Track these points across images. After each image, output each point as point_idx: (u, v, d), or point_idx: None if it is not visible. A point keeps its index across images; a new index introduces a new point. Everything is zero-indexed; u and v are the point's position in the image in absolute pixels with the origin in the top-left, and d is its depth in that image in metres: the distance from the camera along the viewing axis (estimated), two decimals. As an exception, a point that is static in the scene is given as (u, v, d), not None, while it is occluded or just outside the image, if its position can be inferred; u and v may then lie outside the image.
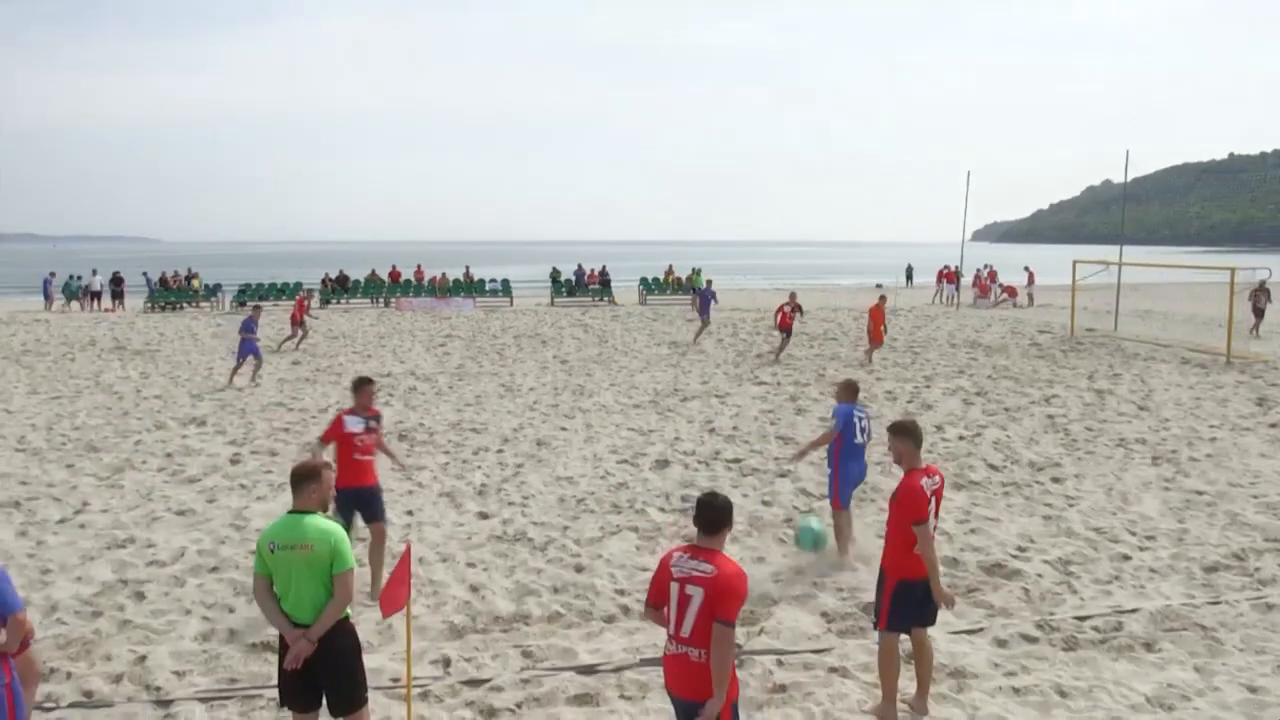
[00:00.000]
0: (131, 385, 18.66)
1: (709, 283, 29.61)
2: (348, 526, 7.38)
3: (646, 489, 11.13)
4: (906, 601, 5.79)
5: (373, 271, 42.21)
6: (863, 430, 8.75)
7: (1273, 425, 14.51)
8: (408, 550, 5.48)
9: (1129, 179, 32.73)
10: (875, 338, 21.69)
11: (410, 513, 10.21)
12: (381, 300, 39.50)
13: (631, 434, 14.09)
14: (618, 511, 10.28)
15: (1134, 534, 9.42)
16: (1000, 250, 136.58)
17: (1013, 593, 7.91)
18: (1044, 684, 6.28)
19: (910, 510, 5.72)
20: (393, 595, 5.25)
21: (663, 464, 12.28)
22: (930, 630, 6.04)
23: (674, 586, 4.41)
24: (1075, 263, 29.61)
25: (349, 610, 4.93)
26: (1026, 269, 42.31)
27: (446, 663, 6.66)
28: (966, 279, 41.67)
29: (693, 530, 4.44)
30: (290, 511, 4.93)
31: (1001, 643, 6.94)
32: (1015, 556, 8.75)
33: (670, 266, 44.57)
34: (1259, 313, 27.39)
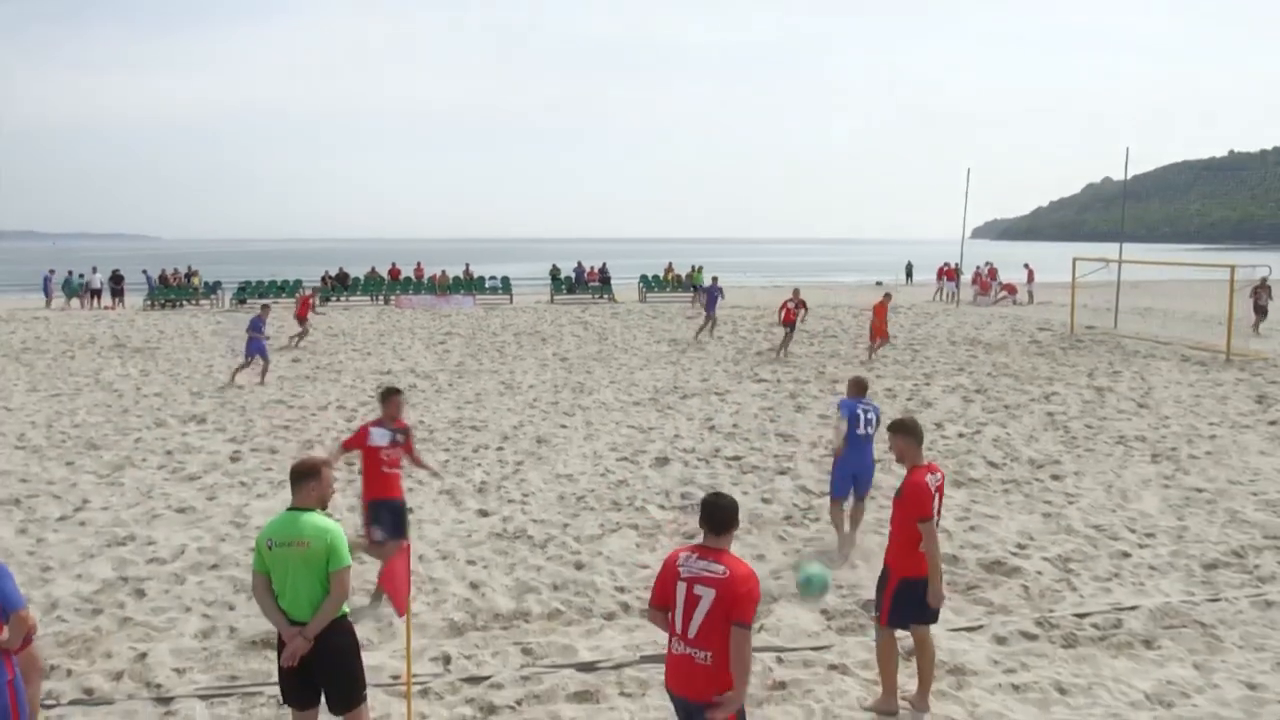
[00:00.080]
0: (131, 383, 18.66)
1: (714, 279, 29.40)
2: (391, 536, 7.33)
3: (646, 486, 11.13)
4: (909, 600, 5.80)
5: (372, 269, 42.18)
6: (867, 422, 8.82)
7: (1272, 423, 14.52)
8: (407, 548, 5.48)
9: (1129, 176, 32.73)
10: (880, 334, 21.67)
11: (410, 510, 10.19)
12: (381, 298, 39.49)
13: (631, 431, 14.10)
14: (617, 509, 10.29)
15: (1133, 531, 9.43)
16: (1000, 247, 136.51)
17: (1012, 590, 7.92)
18: (1043, 681, 6.29)
19: (915, 507, 5.72)
20: (399, 594, 5.25)
21: (662, 461, 12.29)
22: (930, 628, 6.05)
23: (681, 586, 4.36)
24: (1075, 260, 29.62)
25: (347, 609, 4.93)
26: (1026, 266, 42.30)
27: (446, 660, 6.67)
28: (966, 276, 41.65)
29: (692, 528, 4.46)
30: (289, 509, 4.93)
31: (1001, 640, 6.95)
32: (1015, 554, 8.76)
33: (670, 264, 44.54)
34: (1260, 310, 27.38)
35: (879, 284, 54.44)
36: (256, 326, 18.97)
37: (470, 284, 40.78)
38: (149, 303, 37.68)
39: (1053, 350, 23.38)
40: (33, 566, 8.44)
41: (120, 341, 25.67)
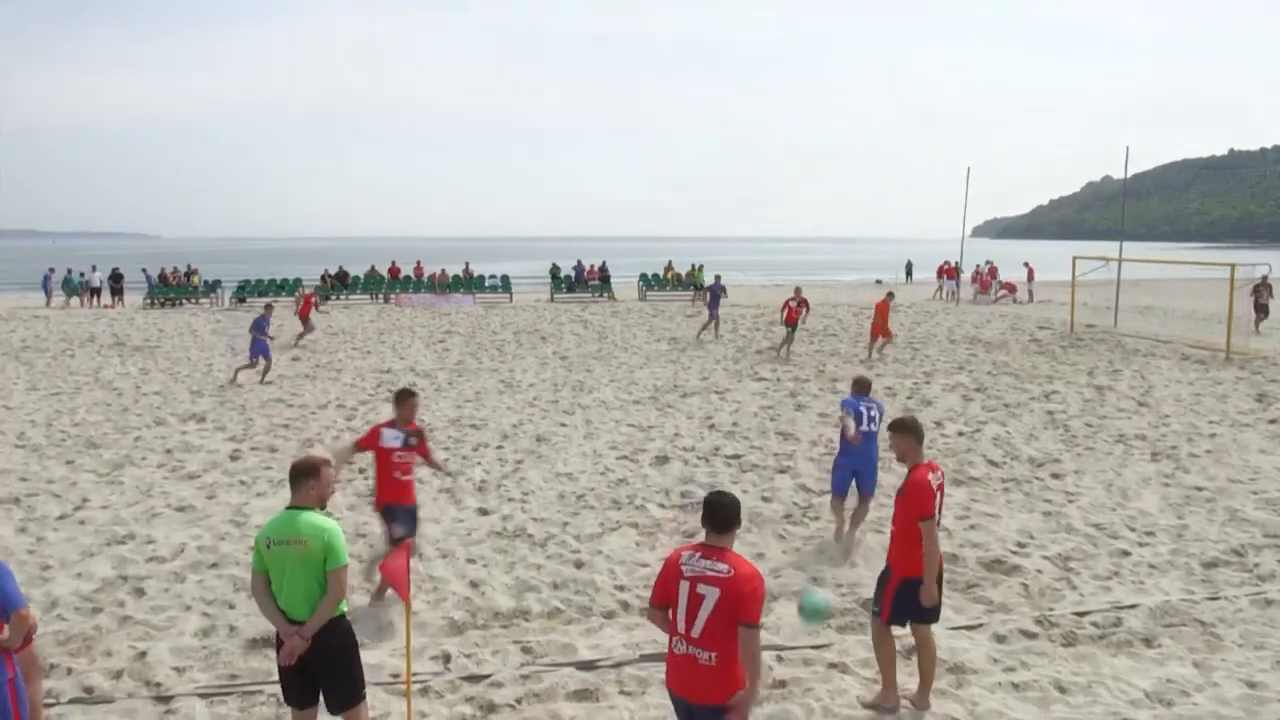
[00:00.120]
0: (131, 381, 18.66)
1: (717, 278, 29.04)
2: (411, 534, 7.35)
3: (646, 485, 11.13)
4: (910, 599, 5.81)
5: (372, 268, 42.16)
6: (870, 419, 8.88)
7: (1272, 421, 14.51)
8: (406, 546, 5.48)
9: (1129, 175, 32.71)
10: (884, 332, 21.64)
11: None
12: (381, 296, 39.46)
13: (631, 430, 14.10)
14: (617, 507, 10.29)
15: (1133, 530, 9.43)
16: (1000, 246, 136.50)
17: (1012, 588, 7.92)
18: (1043, 679, 6.29)
19: (917, 506, 5.72)
20: (400, 585, 5.25)
21: (662, 460, 12.28)
22: (931, 626, 6.05)
23: (684, 585, 4.33)
24: (1075, 259, 29.60)
25: (345, 608, 4.93)
26: (1026, 265, 42.30)
27: (446, 659, 6.68)
28: (966, 275, 41.64)
29: (692, 527, 4.45)
30: (288, 508, 4.93)
31: (1001, 638, 6.95)
32: (1015, 552, 8.76)
33: (670, 262, 44.51)
34: (1261, 309, 27.35)
35: (879, 282, 54.41)
36: (260, 327, 18.91)
37: (470, 282, 40.76)
38: (149, 301, 37.66)
39: (1053, 349, 23.38)
40: (32, 565, 8.44)
41: (120, 340, 25.67)
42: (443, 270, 41.53)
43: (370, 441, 7.54)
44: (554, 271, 43.41)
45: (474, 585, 8.05)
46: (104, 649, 6.83)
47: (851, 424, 8.76)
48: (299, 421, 14.80)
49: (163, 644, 6.87)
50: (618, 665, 6.51)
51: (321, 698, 4.94)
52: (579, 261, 43.21)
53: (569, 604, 7.67)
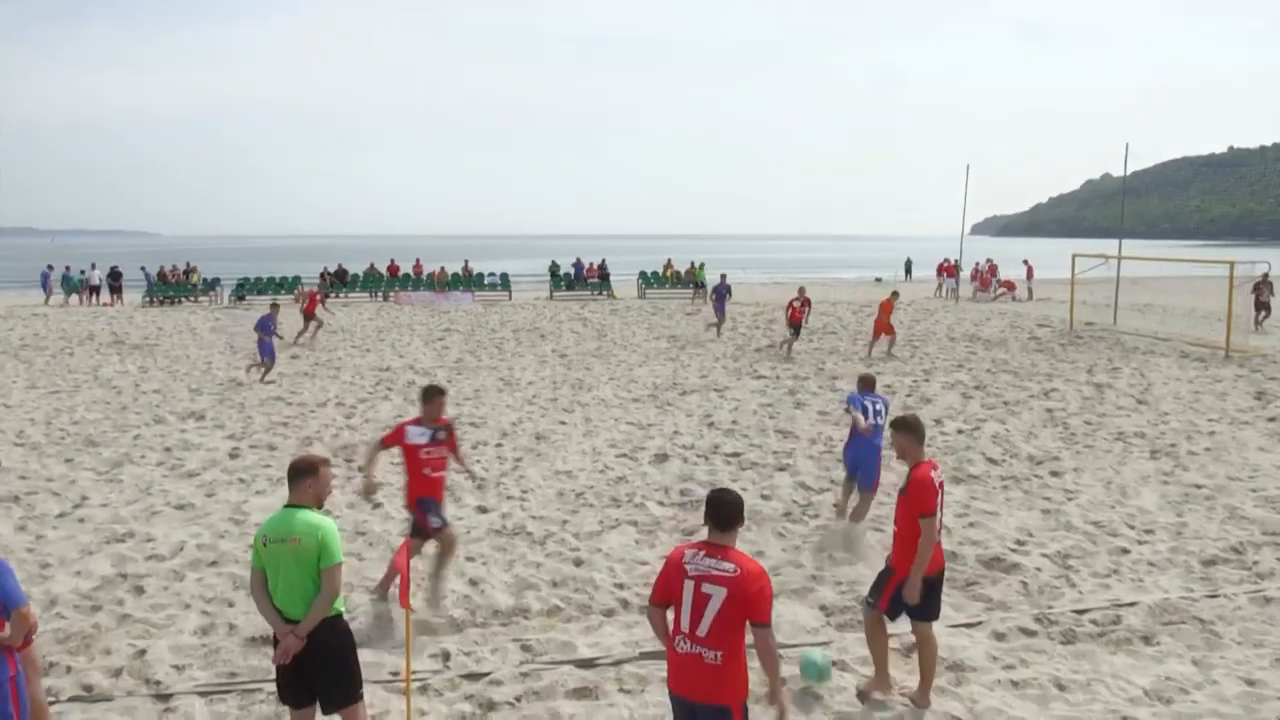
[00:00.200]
0: (130, 380, 18.65)
1: (723, 277, 28.63)
2: (445, 523, 7.39)
3: (645, 483, 11.13)
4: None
5: (371, 265, 42.15)
6: (875, 413, 9.09)
7: (1271, 419, 14.52)
8: (406, 545, 5.48)
9: (1128, 172, 32.71)
10: (887, 331, 21.62)
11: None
12: (380, 294, 39.46)
13: (630, 428, 14.10)
14: (617, 505, 10.29)
15: (1133, 528, 9.44)
16: (999, 244, 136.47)
17: (1011, 586, 7.92)
18: (1042, 677, 6.29)
19: (919, 503, 5.72)
20: (402, 586, 5.26)
21: (662, 458, 12.28)
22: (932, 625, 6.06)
23: (689, 584, 4.29)
24: (1074, 256, 29.61)
25: (342, 607, 4.92)
26: (1026, 263, 42.30)
27: (446, 656, 6.68)
28: (966, 273, 41.63)
29: (691, 524, 4.43)
30: (285, 506, 4.93)
31: (1000, 636, 6.96)
32: (1014, 550, 8.76)
33: (669, 260, 44.50)
34: (1262, 306, 27.33)
35: (878, 280, 54.39)
36: (266, 327, 18.81)
37: (469, 280, 40.75)
38: (148, 299, 37.65)
39: (1052, 346, 23.38)
40: (32, 563, 8.43)
41: (119, 338, 25.66)
42: (442, 268, 41.51)
43: (396, 439, 7.41)
44: (553, 269, 43.40)
45: (473, 583, 8.05)
46: (103, 647, 6.83)
47: (861, 417, 8.98)
48: (298, 419, 14.80)
49: (162, 642, 6.87)
50: (617, 663, 6.51)
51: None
52: (578, 259, 43.19)
53: (568, 602, 7.67)
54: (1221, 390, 17.01)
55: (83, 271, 38.77)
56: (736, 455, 12.42)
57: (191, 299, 38.08)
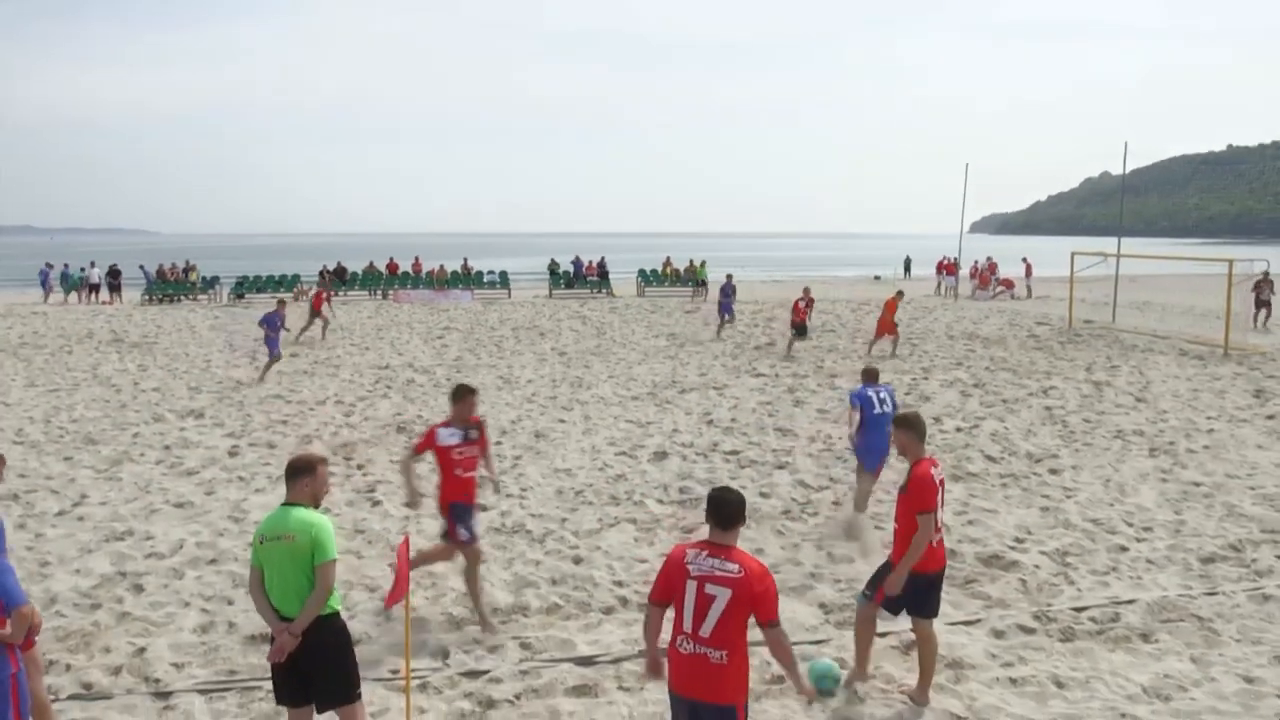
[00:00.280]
0: (129, 378, 18.65)
1: (729, 276, 28.14)
2: (473, 539, 7.18)
3: (645, 481, 11.13)
4: (909, 588, 5.83)
5: (370, 264, 42.11)
6: (881, 401, 9.28)
7: (1270, 417, 14.53)
8: (405, 543, 5.48)
9: (1127, 170, 32.71)
10: (890, 330, 21.61)
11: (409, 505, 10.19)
12: (379, 292, 39.44)
13: (630, 426, 14.10)
14: (616, 503, 10.29)
15: (1131, 525, 9.45)
16: (998, 242, 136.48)
17: (1010, 584, 7.93)
18: (1041, 675, 6.30)
19: (919, 500, 5.73)
20: (395, 588, 5.26)
21: (661, 456, 12.29)
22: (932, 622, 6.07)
23: (691, 585, 4.27)
24: (1073, 254, 29.60)
25: (338, 605, 4.91)
26: (1024, 261, 42.30)
27: (445, 654, 6.68)
28: (964, 271, 41.63)
29: (690, 522, 4.43)
30: (282, 504, 4.94)
31: (999, 634, 6.97)
32: (1013, 548, 8.77)
33: (668, 258, 44.46)
34: (1263, 305, 27.31)
35: (877, 278, 54.39)
36: (273, 324, 18.77)
37: (468, 279, 40.72)
38: (146, 298, 37.63)
39: (1051, 345, 23.40)
40: (31, 562, 8.43)
41: (118, 336, 25.65)
42: (441, 266, 41.47)
43: (428, 444, 7.19)
44: (552, 267, 43.34)
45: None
46: (103, 645, 6.84)
47: (857, 416, 9.20)
48: (297, 417, 14.80)
49: (161, 640, 6.87)
50: (616, 661, 6.52)
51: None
52: (577, 257, 43.14)
53: (567, 600, 7.68)
54: (1220, 388, 17.03)
55: (82, 269, 38.74)
56: (735, 453, 12.43)
57: (190, 297, 38.06)
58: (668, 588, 4.39)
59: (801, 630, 7.04)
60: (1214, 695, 6.03)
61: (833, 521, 9.31)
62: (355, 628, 6.65)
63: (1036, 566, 8.29)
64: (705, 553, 4.33)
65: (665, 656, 4.45)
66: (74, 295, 37.86)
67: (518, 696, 6.07)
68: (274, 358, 18.67)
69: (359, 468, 11.74)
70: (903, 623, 6.46)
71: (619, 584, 7.99)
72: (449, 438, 7.16)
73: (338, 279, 40.03)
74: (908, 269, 55.67)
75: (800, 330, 22.05)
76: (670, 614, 4.44)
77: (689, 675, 4.30)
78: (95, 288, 37.80)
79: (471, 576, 7.22)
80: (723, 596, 4.21)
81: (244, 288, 39.15)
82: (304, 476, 4.91)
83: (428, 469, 7.57)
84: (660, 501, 10.33)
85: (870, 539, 8.70)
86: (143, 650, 6.70)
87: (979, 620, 7.20)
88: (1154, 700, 5.99)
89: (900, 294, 22.76)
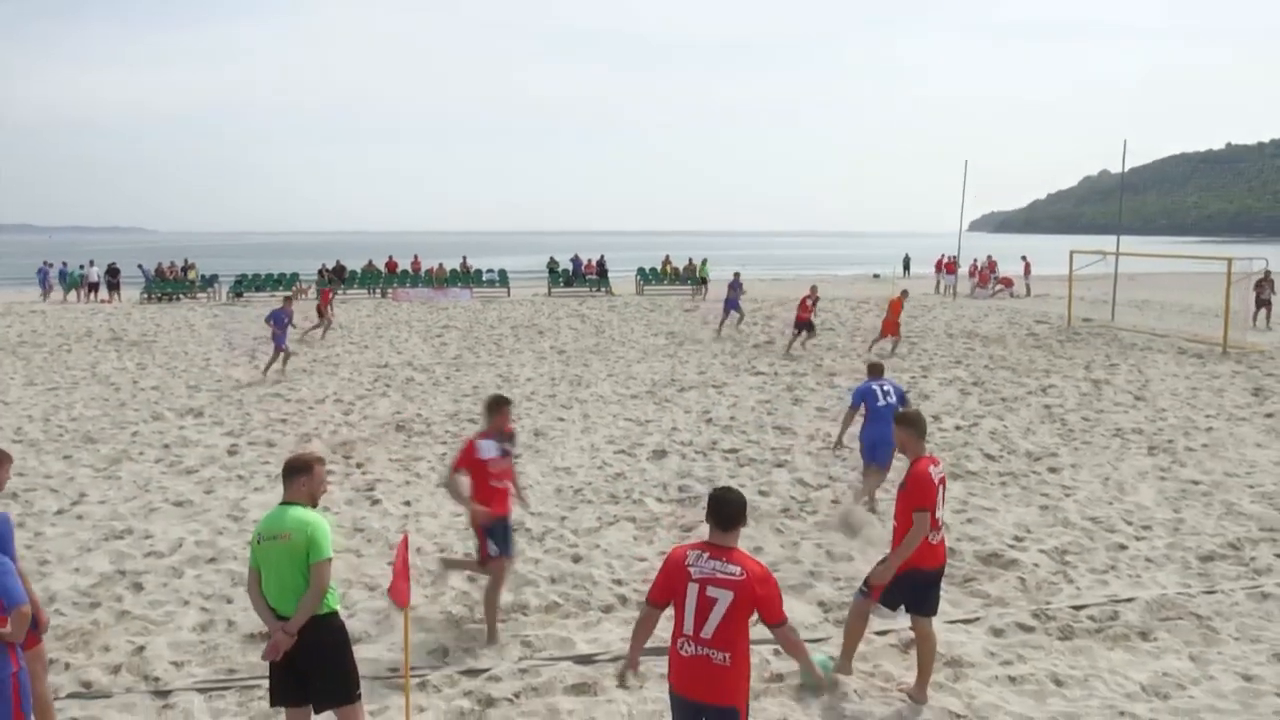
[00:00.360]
0: (128, 376, 18.64)
1: (736, 275, 27.88)
2: (504, 552, 7.01)
3: (644, 479, 11.13)
4: (907, 585, 5.84)
5: (369, 262, 42.09)
6: (885, 394, 9.39)
7: (1268, 415, 14.54)
8: (404, 541, 5.48)
9: (1126, 169, 32.70)
10: (892, 331, 21.60)
11: (408, 503, 10.21)
12: (378, 291, 39.43)
13: (629, 424, 14.10)
14: (615, 502, 10.29)
15: (1130, 524, 9.45)
16: (997, 240, 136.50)
17: (1009, 582, 7.93)
18: (1040, 673, 6.31)
19: (917, 498, 5.74)
20: (399, 588, 5.26)
21: (660, 454, 12.29)
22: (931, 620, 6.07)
23: (693, 587, 4.24)
24: (1072, 253, 29.60)
25: (336, 604, 4.90)
26: (1024, 259, 42.29)
27: (444, 652, 6.68)
28: (964, 269, 41.61)
29: (689, 521, 4.43)
30: (280, 504, 4.94)
31: (998, 632, 6.97)
32: (1012, 546, 8.78)
33: (667, 256, 44.44)
34: (1264, 304, 27.30)
35: (876, 276, 54.38)
36: (280, 321, 18.69)
37: (467, 277, 40.70)
38: (145, 296, 37.60)
39: (1050, 343, 23.40)
40: (30, 560, 8.42)
41: (117, 335, 25.63)
42: (440, 265, 41.47)
43: (468, 458, 6.92)
44: (551, 266, 43.31)
45: (472, 580, 8.03)
46: (102, 644, 6.84)
47: (851, 415, 9.35)
48: (296, 416, 14.80)
49: (161, 639, 6.87)
50: (616, 659, 6.51)
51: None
52: (576, 256, 43.11)
53: (567, 598, 7.68)
54: (1219, 386, 17.03)
55: (81, 268, 38.70)
56: (734, 451, 12.43)
57: (189, 296, 38.05)
58: (668, 590, 4.36)
59: (801, 629, 7.02)
60: (1213, 693, 6.04)
61: (832, 515, 9.32)
62: (354, 626, 6.65)
63: (1035, 565, 8.30)
64: (706, 555, 4.30)
65: (658, 658, 4.45)
66: (73, 294, 37.84)
67: (517, 695, 6.07)
68: (286, 354, 18.63)
69: (358, 466, 11.74)
70: (901, 621, 6.47)
71: (618, 582, 8.00)
72: (489, 451, 6.93)
73: (336, 277, 40.01)
74: (907, 267, 55.63)
75: (809, 328, 22.04)
76: (670, 615, 4.42)
77: (691, 677, 4.29)
78: (94, 286, 37.78)
79: (492, 593, 6.98)
80: (724, 599, 4.20)
81: (243, 286, 39.13)
82: (301, 476, 4.91)
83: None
84: (659, 500, 10.33)
85: (872, 534, 8.70)
86: (142, 649, 6.70)
87: (978, 618, 7.20)
88: (1153, 698, 6.00)
89: (905, 294, 22.75)
